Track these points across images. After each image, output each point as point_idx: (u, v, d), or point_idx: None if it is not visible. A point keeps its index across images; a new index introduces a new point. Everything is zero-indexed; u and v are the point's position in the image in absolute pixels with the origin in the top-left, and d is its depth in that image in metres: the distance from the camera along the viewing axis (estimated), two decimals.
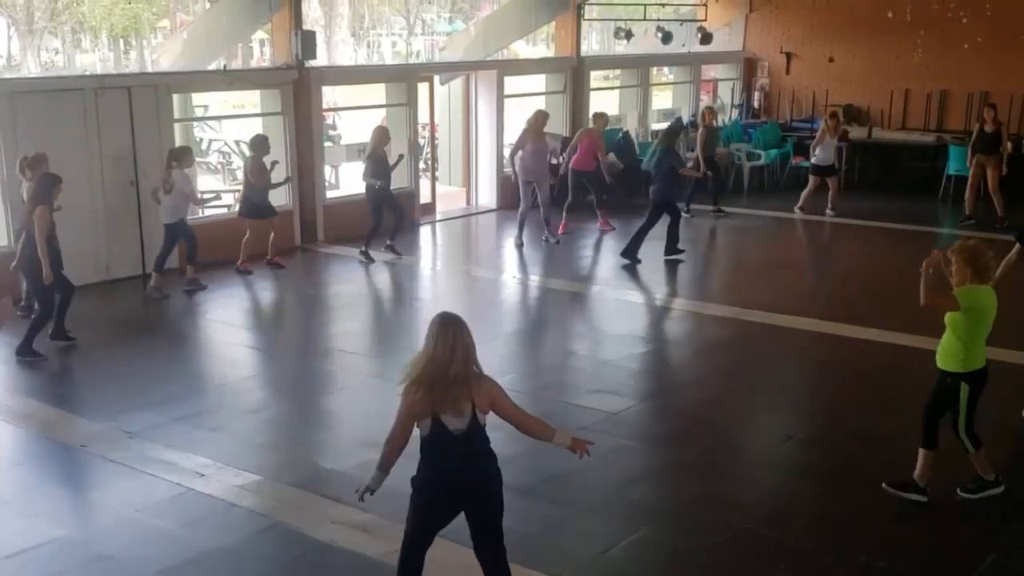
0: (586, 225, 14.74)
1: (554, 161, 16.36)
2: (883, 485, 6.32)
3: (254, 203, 11.94)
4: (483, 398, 4.46)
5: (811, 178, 15.64)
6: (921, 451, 6.28)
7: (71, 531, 6.00)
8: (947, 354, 6.09)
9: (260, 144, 12.07)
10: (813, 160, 15.62)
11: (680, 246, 12.66)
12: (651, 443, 7.39)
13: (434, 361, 4.35)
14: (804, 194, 15.61)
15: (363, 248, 12.61)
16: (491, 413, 4.53)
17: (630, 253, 12.48)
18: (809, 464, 7.08)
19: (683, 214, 13.62)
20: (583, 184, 14.25)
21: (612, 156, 16.49)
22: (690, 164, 14.65)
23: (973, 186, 14.95)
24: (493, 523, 4.65)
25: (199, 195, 12.17)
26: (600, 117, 14.68)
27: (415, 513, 4.65)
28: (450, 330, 4.39)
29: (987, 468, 6.33)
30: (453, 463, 4.46)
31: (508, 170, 13.69)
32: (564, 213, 14.16)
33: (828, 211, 15.40)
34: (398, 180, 15.18)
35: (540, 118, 13.59)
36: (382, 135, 12.67)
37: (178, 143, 12.67)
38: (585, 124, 15.81)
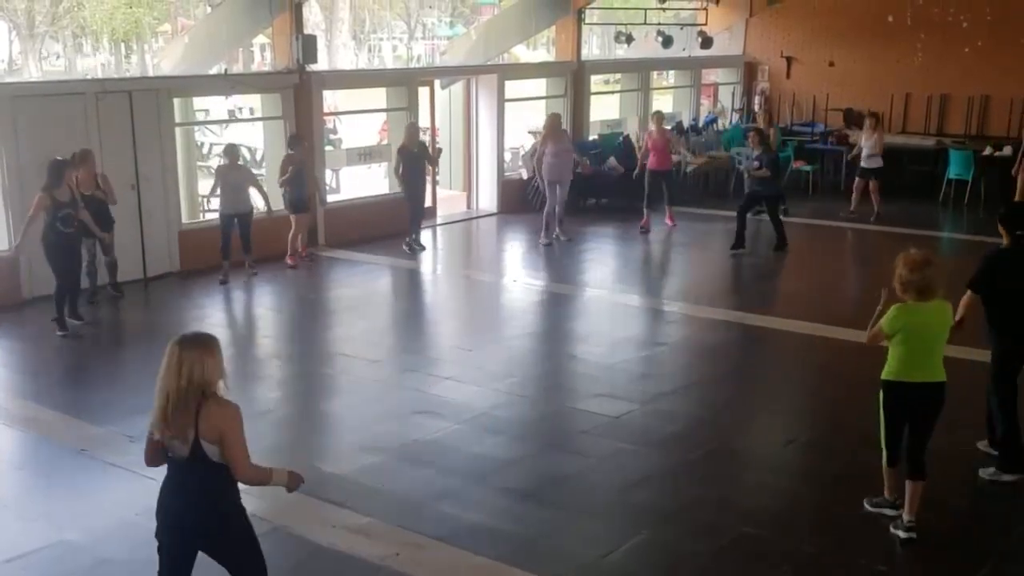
0: (587, 228, 14.76)
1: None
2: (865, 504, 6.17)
3: (295, 197, 12.35)
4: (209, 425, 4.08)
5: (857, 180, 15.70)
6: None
7: (72, 535, 5.99)
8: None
9: (297, 141, 12.51)
10: (862, 163, 15.58)
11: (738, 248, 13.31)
12: (652, 447, 7.39)
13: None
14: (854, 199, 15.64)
15: (408, 239, 13.40)
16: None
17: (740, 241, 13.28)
18: (810, 468, 7.08)
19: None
20: (660, 183, 14.69)
21: (612, 160, 16.54)
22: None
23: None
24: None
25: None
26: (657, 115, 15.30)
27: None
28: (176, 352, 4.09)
29: (891, 490, 6.04)
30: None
31: (511, 174, 13.71)
32: (645, 210, 14.63)
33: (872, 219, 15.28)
34: (397, 183, 15.25)
35: (555, 120, 14.06)
36: (413, 132, 13.20)
37: (179, 147, 12.73)
38: (568, 127, 16.10)
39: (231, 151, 12.12)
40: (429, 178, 14.37)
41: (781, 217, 13.64)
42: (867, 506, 6.18)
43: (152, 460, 4.23)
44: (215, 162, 20.30)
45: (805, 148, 18.51)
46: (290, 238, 12.50)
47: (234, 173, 11.84)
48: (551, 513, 6.21)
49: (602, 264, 13.33)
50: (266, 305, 11.45)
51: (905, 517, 5.83)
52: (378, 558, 5.62)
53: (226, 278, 11.65)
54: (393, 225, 13.77)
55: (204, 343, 4.17)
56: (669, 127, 18.56)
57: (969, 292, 6.53)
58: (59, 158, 9.80)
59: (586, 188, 16.48)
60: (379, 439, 7.30)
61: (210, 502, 4.16)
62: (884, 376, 5.84)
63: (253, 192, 11.91)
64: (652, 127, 14.96)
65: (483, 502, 6.24)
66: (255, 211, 12.04)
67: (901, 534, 5.81)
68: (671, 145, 14.95)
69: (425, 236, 14.71)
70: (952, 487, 6.65)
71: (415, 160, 13.16)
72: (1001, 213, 6.73)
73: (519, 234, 14.29)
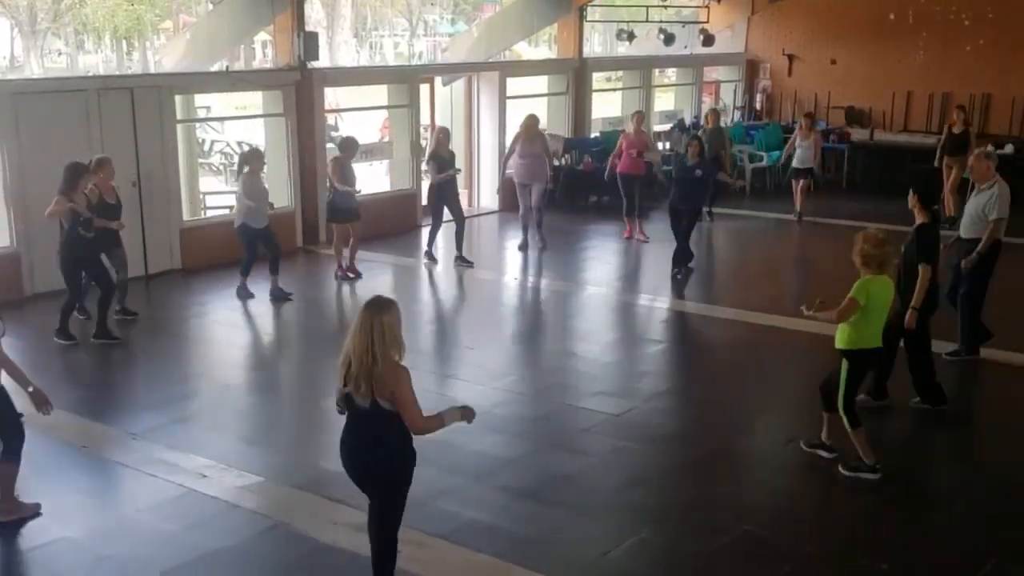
0: (588, 226, 14.76)
1: (555, 163, 16.41)
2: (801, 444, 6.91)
3: (337, 206, 11.88)
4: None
5: (792, 181, 15.47)
6: (825, 414, 6.79)
7: (74, 532, 6.00)
8: (839, 332, 6.59)
9: (348, 145, 12.10)
10: (794, 163, 15.32)
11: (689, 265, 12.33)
12: (653, 445, 7.39)
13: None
14: (797, 200, 15.38)
15: (459, 252, 12.75)
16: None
17: (682, 260, 12.11)
18: (811, 467, 7.08)
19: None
20: (632, 188, 13.92)
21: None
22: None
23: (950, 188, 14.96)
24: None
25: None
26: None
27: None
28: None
29: (867, 452, 6.54)
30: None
31: (510, 172, 13.63)
32: (625, 219, 14.05)
33: (794, 215, 15.23)
34: (401, 181, 15.26)
35: (532, 121, 13.43)
36: (444, 136, 12.78)
37: (180, 144, 12.70)
38: (570, 124, 15.89)
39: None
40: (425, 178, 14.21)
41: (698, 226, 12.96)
42: (845, 472, 6.59)
43: (340, 407, 4.97)
44: (216, 159, 20.35)
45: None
46: (352, 247, 12.04)
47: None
48: (552, 511, 6.22)
49: (602, 262, 13.32)
50: (267, 302, 11.44)
51: (866, 460, 6.52)
52: None
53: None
54: (393, 223, 13.77)
55: (387, 308, 4.70)
56: (670, 126, 18.65)
57: (927, 266, 7.41)
58: (77, 162, 9.39)
59: (587, 186, 16.51)
60: None
61: (378, 443, 4.79)
62: (849, 346, 6.52)
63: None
64: (630, 126, 14.14)
65: (484, 500, 6.25)
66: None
67: (871, 476, 6.49)
68: (647, 148, 14.01)
69: (425, 233, 14.69)
70: (953, 486, 6.66)
71: (447, 166, 12.66)
72: (920, 191, 7.61)
73: (520, 232, 14.27)
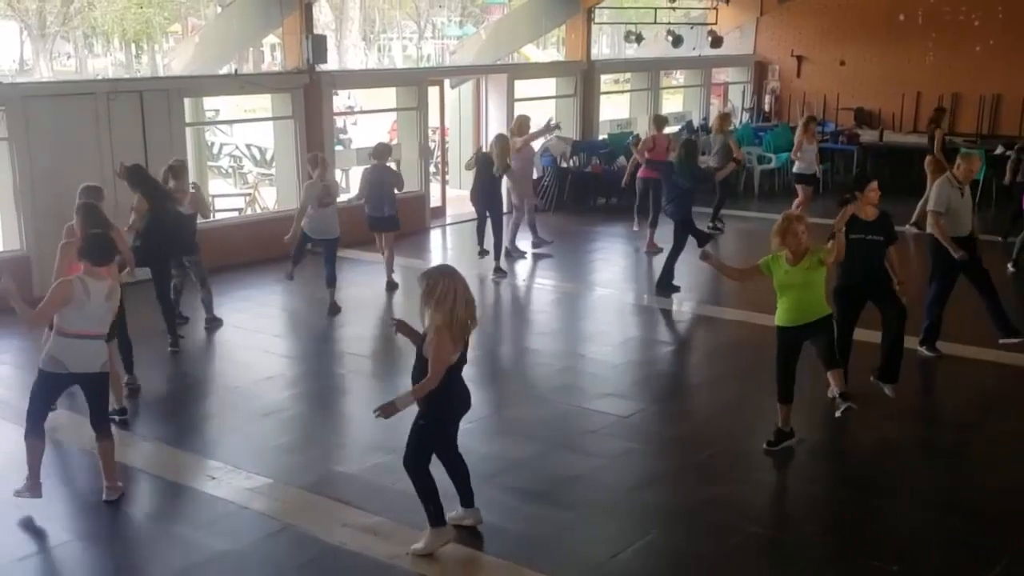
0: (597, 228, 14.74)
1: (564, 165, 16.44)
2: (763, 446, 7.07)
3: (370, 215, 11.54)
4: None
5: (798, 188, 14.69)
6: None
7: (81, 535, 6.02)
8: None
9: (383, 152, 11.56)
10: (795, 169, 14.68)
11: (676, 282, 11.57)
12: (661, 446, 7.38)
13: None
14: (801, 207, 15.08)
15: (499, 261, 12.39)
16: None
17: (666, 284, 11.43)
18: (820, 468, 7.07)
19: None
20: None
21: (622, 159, 16.53)
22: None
23: None
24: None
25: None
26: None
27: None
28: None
29: (785, 421, 7.06)
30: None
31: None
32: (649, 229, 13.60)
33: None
34: (410, 184, 15.24)
35: (522, 122, 13.33)
36: (505, 145, 12.13)
37: (189, 148, 12.70)
38: (578, 126, 15.82)
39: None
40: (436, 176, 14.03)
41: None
42: (768, 447, 7.05)
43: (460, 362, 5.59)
44: (225, 162, 20.39)
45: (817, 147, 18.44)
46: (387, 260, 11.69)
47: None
48: (560, 513, 6.21)
49: (611, 263, 13.31)
50: (276, 304, 11.46)
51: (784, 428, 7.07)
52: (387, 557, 5.63)
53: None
54: (402, 225, 13.73)
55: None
56: (677, 129, 18.61)
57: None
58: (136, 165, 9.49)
59: (596, 188, 16.50)
60: (389, 439, 7.28)
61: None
62: (776, 322, 7.05)
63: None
64: (652, 130, 14.22)
65: (492, 502, 6.24)
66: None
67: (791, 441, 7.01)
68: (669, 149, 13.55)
69: (434, 235, 14.73)
70: (963, 487, 6.63)
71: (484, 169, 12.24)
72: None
73: (527, 234, 14.27)
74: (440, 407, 5.54)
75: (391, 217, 11.45)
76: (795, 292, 6.87)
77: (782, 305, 6.95)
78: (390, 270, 11.72)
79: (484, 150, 12.87)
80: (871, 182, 7.67)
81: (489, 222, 12.33)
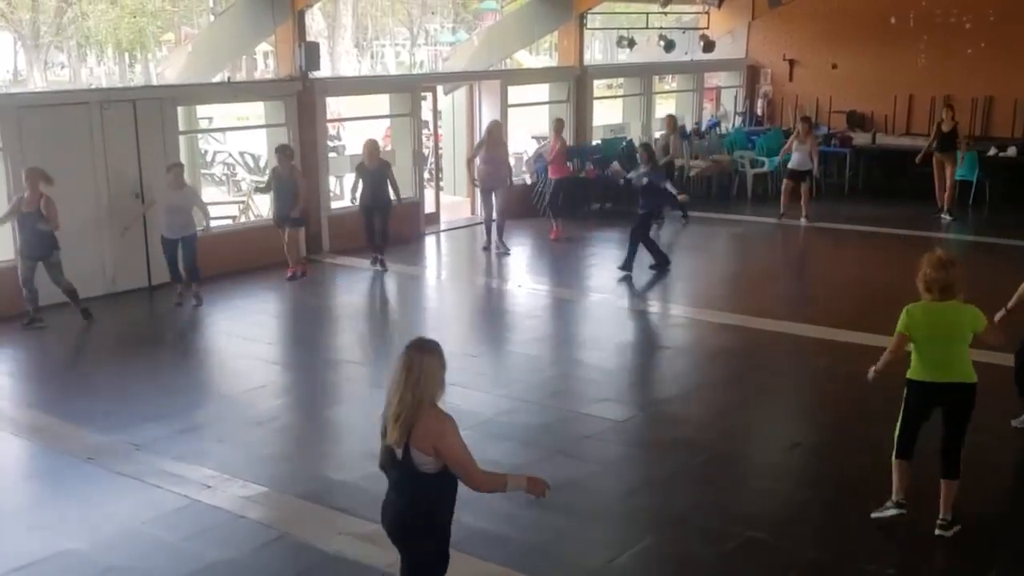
0: (591, 233, 14.76)
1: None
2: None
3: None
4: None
5: (785, 181, 15.67)
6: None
7: (78, 544, 6.00)
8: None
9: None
10: (789, 165, 15.53)
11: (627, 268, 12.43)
12: (657, 451, 7.38)
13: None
14: (782, 200, 15.55)
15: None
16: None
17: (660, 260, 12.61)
18: (816, 472, 7.07)
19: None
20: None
21: (615, 164, 16.55)
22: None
23: (941, 185, 15.66)
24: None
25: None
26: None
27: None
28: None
29: (898, 488, 5.95)
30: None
31: (514, 179, 13.73)
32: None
33: (802, 219, 15.23)
34: (404, 190, 15.24)
35: (494, 127, 13.85)
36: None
37: (182, 155, 12.71)
38: (571, 131, 16.28)
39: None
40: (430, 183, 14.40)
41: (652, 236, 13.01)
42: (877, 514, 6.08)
43: (382, 462, 4.21)
44: (218, 170, 20.38)
45: None
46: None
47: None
48: (557, 518, 6.21)
49: (605, 269, 13.30)
50: (270, 312, 11.46)
51: (895, 497, 5.92)
52: (385, 565, 5.61)
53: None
54: (397, 231, 13.74)
55: (432, 351, 4.16)
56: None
57: None
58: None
59: (590, 192, 16.52)
60: None
61: (406, 509, 4.19)
62: (908, 375, 5.87)
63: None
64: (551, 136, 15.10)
65: (489, 508, 6.23)
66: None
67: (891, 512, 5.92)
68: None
69: (428, 242, 14.75)
70: (964, 490, 6.63)
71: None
72: None
73: (523, 239, 14.30)
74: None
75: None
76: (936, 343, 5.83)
77: (916, 357, 5.91)
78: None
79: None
80: None
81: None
